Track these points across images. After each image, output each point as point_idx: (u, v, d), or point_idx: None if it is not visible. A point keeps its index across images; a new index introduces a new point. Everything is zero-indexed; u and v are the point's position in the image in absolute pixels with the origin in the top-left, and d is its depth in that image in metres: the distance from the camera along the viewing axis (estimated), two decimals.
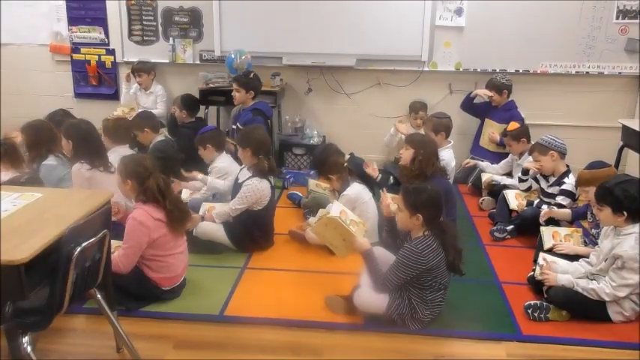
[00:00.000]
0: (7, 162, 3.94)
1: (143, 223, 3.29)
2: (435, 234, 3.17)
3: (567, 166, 4.52)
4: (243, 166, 4.40)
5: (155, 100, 6.17)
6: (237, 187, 4.22)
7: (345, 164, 4.40)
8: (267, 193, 4.18)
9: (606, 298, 3.25)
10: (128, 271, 3.32)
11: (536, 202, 4.58)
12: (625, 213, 3.25)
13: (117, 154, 4.39)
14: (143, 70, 6.12)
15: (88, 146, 4.09)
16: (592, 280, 3.37)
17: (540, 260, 3.64)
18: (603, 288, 3.24)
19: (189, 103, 5.83)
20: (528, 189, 4.71)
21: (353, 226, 3.51)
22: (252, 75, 5.55)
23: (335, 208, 3.64)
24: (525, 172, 4.72)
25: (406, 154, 4.27)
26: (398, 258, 3.18)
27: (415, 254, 3.11)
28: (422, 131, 5.35)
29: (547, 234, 3.98)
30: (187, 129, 5.67)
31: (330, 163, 4.34)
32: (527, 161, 4.83)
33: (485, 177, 5.35)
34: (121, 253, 3.29)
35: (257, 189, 4.11)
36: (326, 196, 4.70)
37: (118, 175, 3.47)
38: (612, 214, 3.29)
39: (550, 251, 3.81)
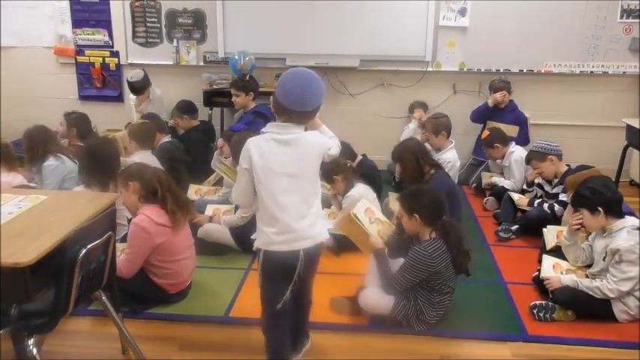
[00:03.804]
0: (3, 164, 3.99)
1: (145, 229, 3.27)
2: (440, 235, 3.17)
3: (568, 165, 4.52)
4: None
5: (160, 103, 6.13)
6: None
7: (349, 164, 4.41)
8: None
9: (610, 295, 3.24)
10: (130, 276, 3.31)
11: (537, 202, 4.58)
12: (600, 209, 3.31)
13: (140, 158, 4.43)
14: (142, 89, 5.88)
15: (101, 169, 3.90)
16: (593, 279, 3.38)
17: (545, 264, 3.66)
18: (606, 285, 3.24)
19: (186, 107, 5.74)
20: (534, 197, 4.69)
21: (378, 225, 3.51)
22: (247, 77, 5.54)
23: (360, 205, 3.63)
24: (530, 184, 4.77)
25: (397, 169, 4.31)
26: (407, 260, 3.18)
27: (424, 257, 3.10)
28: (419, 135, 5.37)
29: (550, 234, 3.98)
30: (197, 132, 5.66)
31: (331, 166, 4.34)
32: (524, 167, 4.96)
33: (484, 177, 5.38)
34: (123, 259, 3.29)
35: None
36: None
37: (119, 185, 3.47)
38: (591, 216, 3.36)
39: (552, 252, 3.82)
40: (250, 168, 2.47)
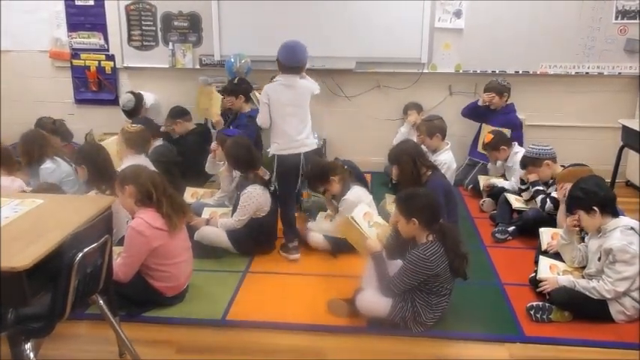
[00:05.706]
0: (3, 167, 3.99)
1: (142, 233, 3.27)
2: (437, 238, 3.17)
3: (563, 166, 4.52)
4: (236, 176, 4.55)
5: (157, 110, 6.12)
6: (237, 198, 4.23)
7: (345, 166, 4.41)
8: (265, 199, 4.19)
9: (607, 296, 3.25)
10: (127, 280, 3.31)
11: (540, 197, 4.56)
12: (596, 209, 3.33)
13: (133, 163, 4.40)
14: (136, 112, 5.90)
15: (101, 172, 3.97)
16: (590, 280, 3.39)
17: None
18: (603, 285, 3.25)
19: (178, 112, 5.71)
20: (531, 199, 4.69)
21: (377, 228, 3.50)
22: (236, 80, 5.54)
23: (359, 209, 3.63)
24: (525, 183, 4.72)
25: (394, 171, 4.31)
26: (405, 264, 3.17)
27: (422, 260, 3.10)
28: (415, 136, 5.38)
29: (546, 235, 3.98)
30: (194, 135, 5.64)
31: (329, 167, 4.34)
32: (516, 165, 4.91)
33: (483, 180, 5.37)
34: (120, 263, 3.28)
35: (253, 196, 4.11)
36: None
37: (117, 189, 3.46)
38: (587, 216, 3.38)
39: (547, 252, 3.82)
40: (268, 102, 3.96)
